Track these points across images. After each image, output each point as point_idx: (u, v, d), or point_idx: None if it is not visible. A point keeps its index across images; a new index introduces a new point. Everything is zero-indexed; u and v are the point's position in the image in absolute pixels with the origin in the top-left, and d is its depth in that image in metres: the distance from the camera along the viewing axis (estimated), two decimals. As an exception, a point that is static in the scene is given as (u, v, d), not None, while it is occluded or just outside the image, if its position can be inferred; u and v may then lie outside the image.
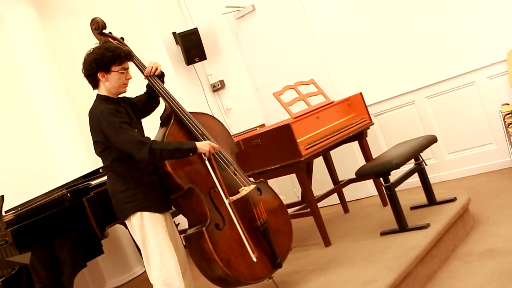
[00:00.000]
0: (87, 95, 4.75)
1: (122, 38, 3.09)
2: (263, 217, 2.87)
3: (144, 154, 2.55)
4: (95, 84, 2.75)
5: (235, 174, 2.90)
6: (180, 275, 2.70)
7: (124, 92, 2.80)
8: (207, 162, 2.73)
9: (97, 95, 2.77)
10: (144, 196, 2.69)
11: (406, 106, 4.63)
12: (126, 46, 3.02)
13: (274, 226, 2.95)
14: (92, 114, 2.68)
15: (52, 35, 4.63)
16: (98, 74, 2.69)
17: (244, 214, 2.83)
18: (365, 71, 4.77)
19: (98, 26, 3.06)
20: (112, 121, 2.59)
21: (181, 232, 3.16)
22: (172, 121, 2.83)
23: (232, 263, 2.69)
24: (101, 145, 2.68)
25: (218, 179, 2.74)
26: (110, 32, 3.09)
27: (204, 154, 2.72)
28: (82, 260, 3.31)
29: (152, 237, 2.69)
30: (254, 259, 2.72)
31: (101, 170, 3.64)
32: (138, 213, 2.69)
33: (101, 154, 2.73)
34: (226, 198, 2.74)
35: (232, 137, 3.13)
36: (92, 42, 3.06)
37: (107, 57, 2.65)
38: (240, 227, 2.73)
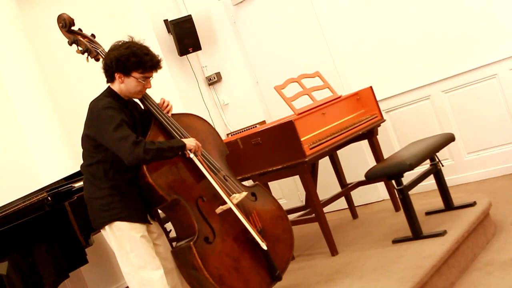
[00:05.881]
0: (69, 90, 4.80)
1: (92, 35, 3.09)
2: (258, 226, 2.89)
3: (138, 153, 2.57)
4: (110, 79, 2.78)
5: (226, 180, 2.91)
6: (167, 287, 2.71)
7: (138, 98, 2.85)
8: (194, 158, 2.75)
9: (108, 87, 2.81)
10: (122, 205, 2.71)
11: (420, 101, 4.64)
12: (97, 44, 3.04)
13: (272, 234, 2.95)
14: (94, 106, 2.72)
15: (31, 25, 4.61)
16: (116, 74, 2.72)
17: (236, 224, 2.83)
18: (376, 63, 4.76)
19: (65, 24, 3.05)
20: (113, 116, 2.63)
21: (172, 240, 3.16)
22: (152, 124, 2.85)
23: (225, 279, 2.69)
24: (93, 142, 2.71)
25: (210, 175, 2.76)
26: (79, 29, 3.10)
27: (190, 150, 2.75)
28: (64, 271, 3.30)
29: (131, 250, 2.70)
30: (265, 247, 2.76)
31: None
32: (115, 223, 2.71)
33: (89, 151, 2.75)
34: (227, 197, 2.75)
35: (221, 137, 3.16)
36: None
37: (130, 62, 2.67)
38: (245, 220, 2.77)
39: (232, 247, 2.78)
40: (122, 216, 2.70)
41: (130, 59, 2.67)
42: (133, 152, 2.57)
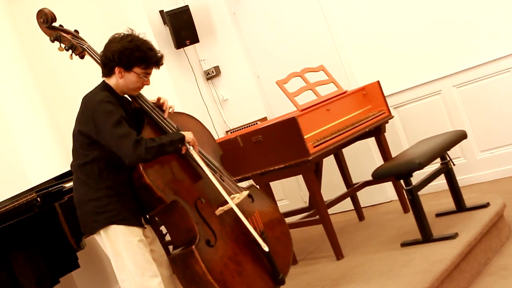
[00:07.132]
0: (59, 85, 4.78)
1: (76, 31, 3.05)
2: (260, 227, 2.87)
3: (140, 153, 2.56)
4: (108, 74, 2.75)
5: (222, 181, 2.89)
6: None
7: (134, 94, 2.83)
8: (193, 153, 2.74)
9: (103, 81, 2.78)
10: (119, 207, 2.68)
11: (431, 96, 4.64)
12: (82, 39, 3.01)
13: (272, 237, 2.95)
14: (89, 99, 2.69)
15: (19, 18, 4.60)
16: (116, 68, 2.69)
17: (237, 226, 2.83)
18: (384, 56, 4.77)
19: (46, 19, 3.01)
20: (112, 112, 2.61)
21: (167, 244, 3.15)
22: (145, 123, 2.83)
23: (229, 284, 2.67)
24: (87, 139, 2.68)
25: (210, 172, 2.75)
26: (61, 25, 3.06)
27: (189, 143, 2.75)
28: (52, 277, 3.29)
29: (127, 255, 2.67)
30: (267, 249, 2.74)
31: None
32: (111, 227, 2.68)
33: (82, 148, 2.71)
34: (228, 196, 2.74)
35: (214, 137, 3.16)
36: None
37: (134, 56, 2.65)
38: (248, 223, 2.75)
39: (234, 250, 2.77)
40: (119, 219, 2.67)
41: (134, 53, 2.65)
42: (135, 152, 2.55)
